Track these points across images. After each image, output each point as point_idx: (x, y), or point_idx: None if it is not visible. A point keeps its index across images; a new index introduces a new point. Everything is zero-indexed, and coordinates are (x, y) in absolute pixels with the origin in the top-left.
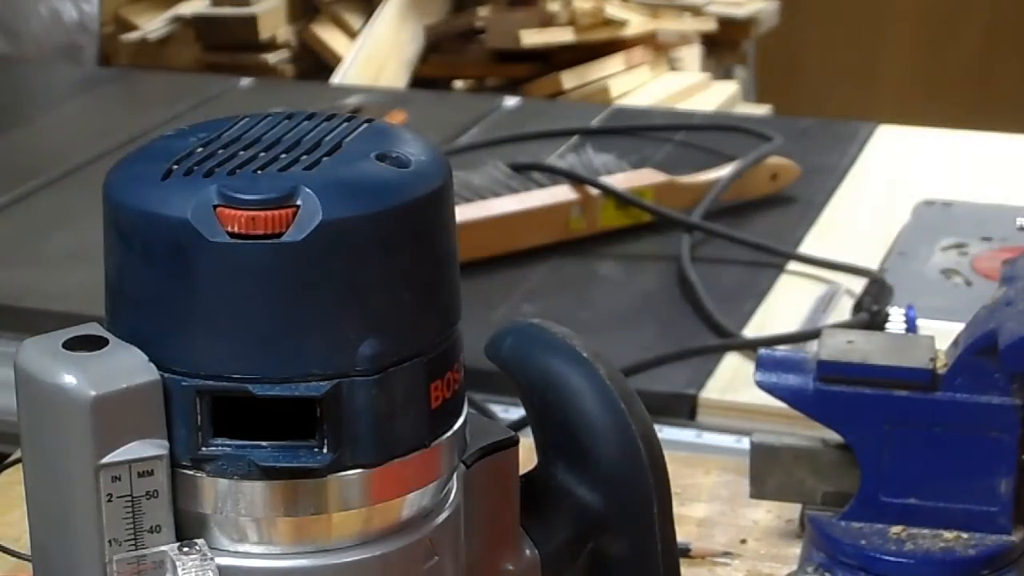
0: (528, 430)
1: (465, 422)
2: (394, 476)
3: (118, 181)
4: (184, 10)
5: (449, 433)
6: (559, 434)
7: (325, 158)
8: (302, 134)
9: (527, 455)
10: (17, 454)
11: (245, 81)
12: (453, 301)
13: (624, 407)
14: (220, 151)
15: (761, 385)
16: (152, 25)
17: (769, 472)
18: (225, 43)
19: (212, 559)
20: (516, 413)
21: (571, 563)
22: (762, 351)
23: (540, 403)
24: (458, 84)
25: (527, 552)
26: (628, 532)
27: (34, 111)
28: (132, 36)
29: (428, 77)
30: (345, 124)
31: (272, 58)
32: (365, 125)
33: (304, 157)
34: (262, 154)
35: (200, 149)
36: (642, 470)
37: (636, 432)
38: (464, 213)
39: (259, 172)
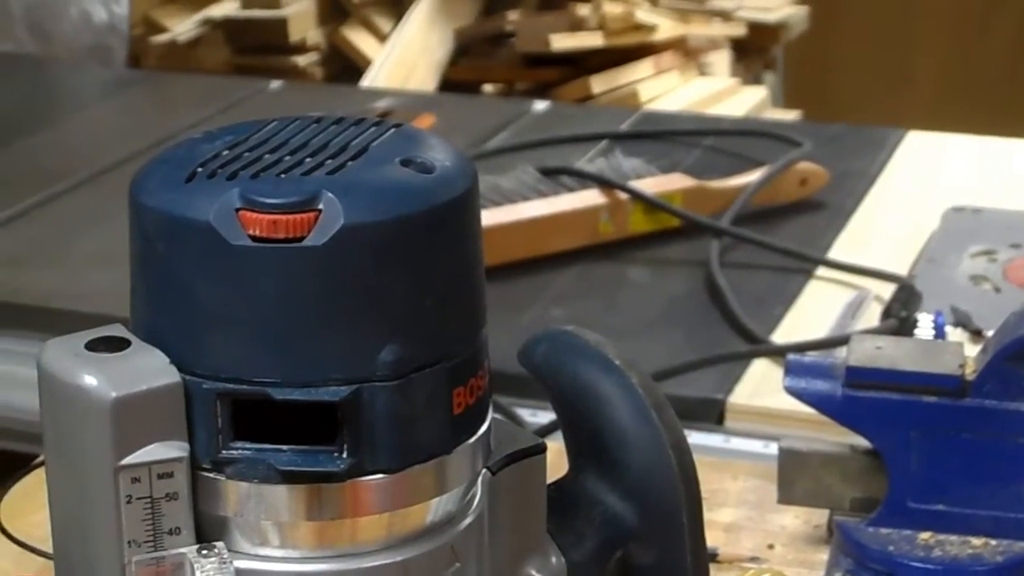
0: (557, 435)
1: (489, 428)
2: (415, 482)
3: (143, 183)
4: (214, 12)
5: (472, 439)
6: (590, 442)
7: (350, 162)
8: (329, 138)
9: (558, 460)
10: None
11: (274, 84)
12: (477, 307)
13: (655, 416)
14: (245, 154)
15: (790, 391)
16: (182, 27)
17: (797, 477)
18: (255, 45)
19: (231, 562)
20: (545, 417)
21: (599, 572)
22: (791, 356)
23: (572, 410)
24: (487, 88)
25: (554, 559)
26: (658, 541)
27: (63, 112)
28: (162, 38)
29: (457, 81)
30: (372, 128)
31: (302, 61)
32: (392, 130)
33: (329, 161)
34: (287, 158)
35: (226, 152)
36: (673, 479)
37: (667, 441)
38: (493, 217)
39: (283, 176)
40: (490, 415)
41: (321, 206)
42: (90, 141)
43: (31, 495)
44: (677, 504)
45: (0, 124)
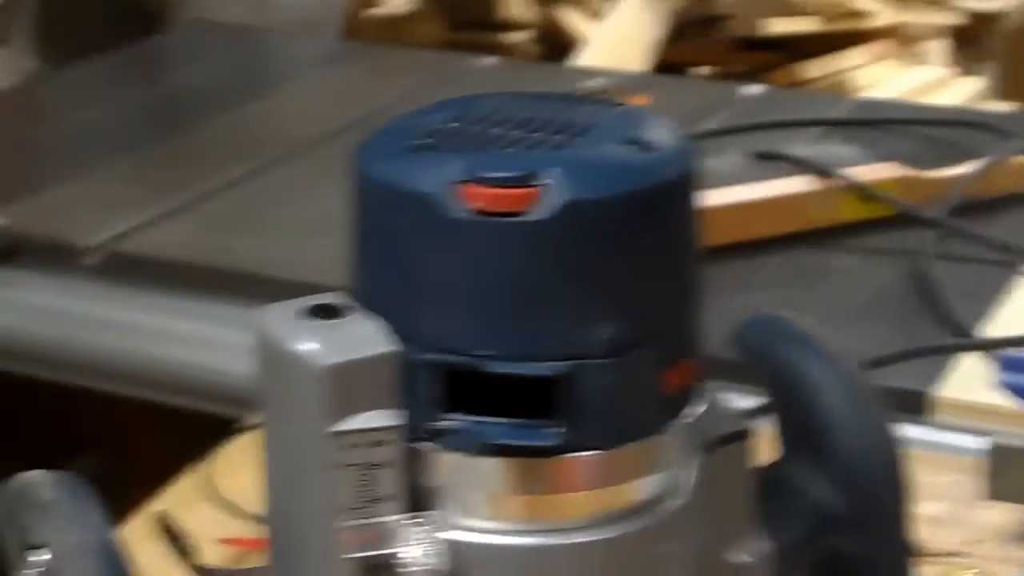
0: (767, 419)
1: (701, 410)
2: (626, 460)
3: (366, 154)
4: None
5: (684, 420)
6: (801, 428)
7: (573, 139)
8: (552, 114)
9: (768, 445)
10: (252, 419)
11: (487, 60)
12: (693, 288)
13: (867, 405)
14: (469, 128)
15: (1002, 386)
16: (397, 1)
17: (1006, 474)
18: (468, 21)
19: (440, 532)
20: (751, 402)
21: (806, 558)
22: (1004, 352)
23: (784, 396)
24: (699, 70)
25: (761, 544)
26: (865, 530)
27: (276, 83)
28: (376, 11)
29: (669, 62)
30: (595, 106)
31: (515, 38)
32: (615, 108)
33: (552, 137)
34: (511, 132)
35: (450, 125)
36: (883, 469)
37: (878, 431)
38: (703, 199)
39: (506, 150)
40: (703, 397)
41: (544, 181)
42: (303, 112)
43: (238, 457)
44: (886, 494)
45: (215, 94)
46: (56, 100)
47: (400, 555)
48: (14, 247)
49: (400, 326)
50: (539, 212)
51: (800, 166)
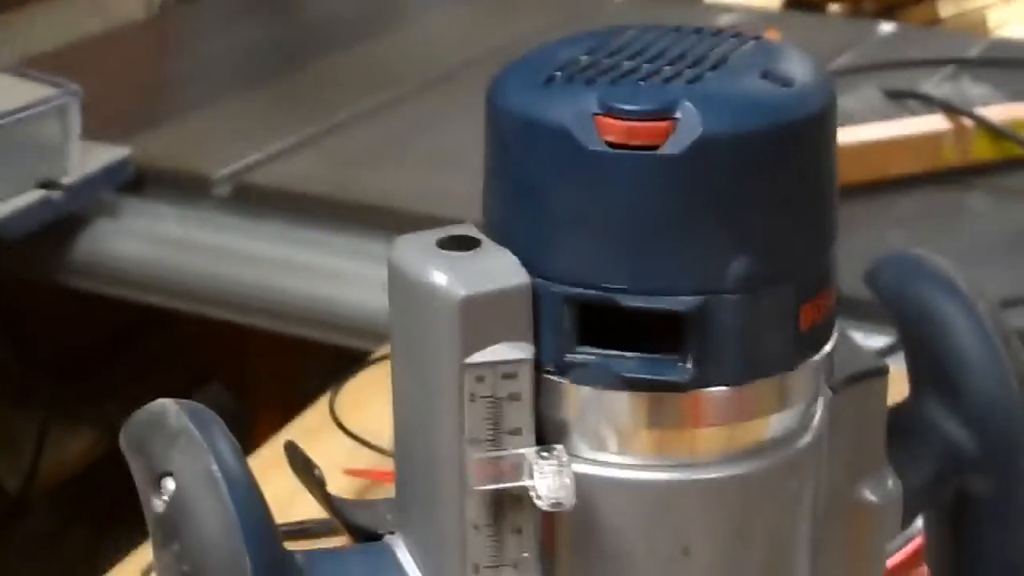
0: (895, 358)
1: (834, 347)
2: (758, 396)
3: (501, 86)
4: None
5: (817, 357)
6: (932, 367)
7: (709, 72)
8: (688, 47)
9: (897, 385)
10: (378, 351)
11: None
12: (829, 224)
13: (1001, 345)
14: (604, 60)
15: None
16: None
17: None
18: None
19: (569, 465)
20: (878, 341)
21: (935, 498)
22: None
23: (916, 335)
24: (833, 7)
25: (890, 483)
26: (996, 472)
27: (406, 16)
28: None
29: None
30: (732, 40)
31: None
32: (752, 42)
33: (688, 70)
34: (646, 65)
35: (584, 57)
36: (1015, 410)
37: (1011, 370)
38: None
39: (641, 83)
40: (835, 334)
41: (679, 115)
42: (432, 45)
43: (364, 390)
44: (1018, 435)
45: (345, 26)
46: (186, 32)
47: (529, 487)
48: (142, 178)
49: (533, 258)
50: (674, 146)
51: (933, 105)
